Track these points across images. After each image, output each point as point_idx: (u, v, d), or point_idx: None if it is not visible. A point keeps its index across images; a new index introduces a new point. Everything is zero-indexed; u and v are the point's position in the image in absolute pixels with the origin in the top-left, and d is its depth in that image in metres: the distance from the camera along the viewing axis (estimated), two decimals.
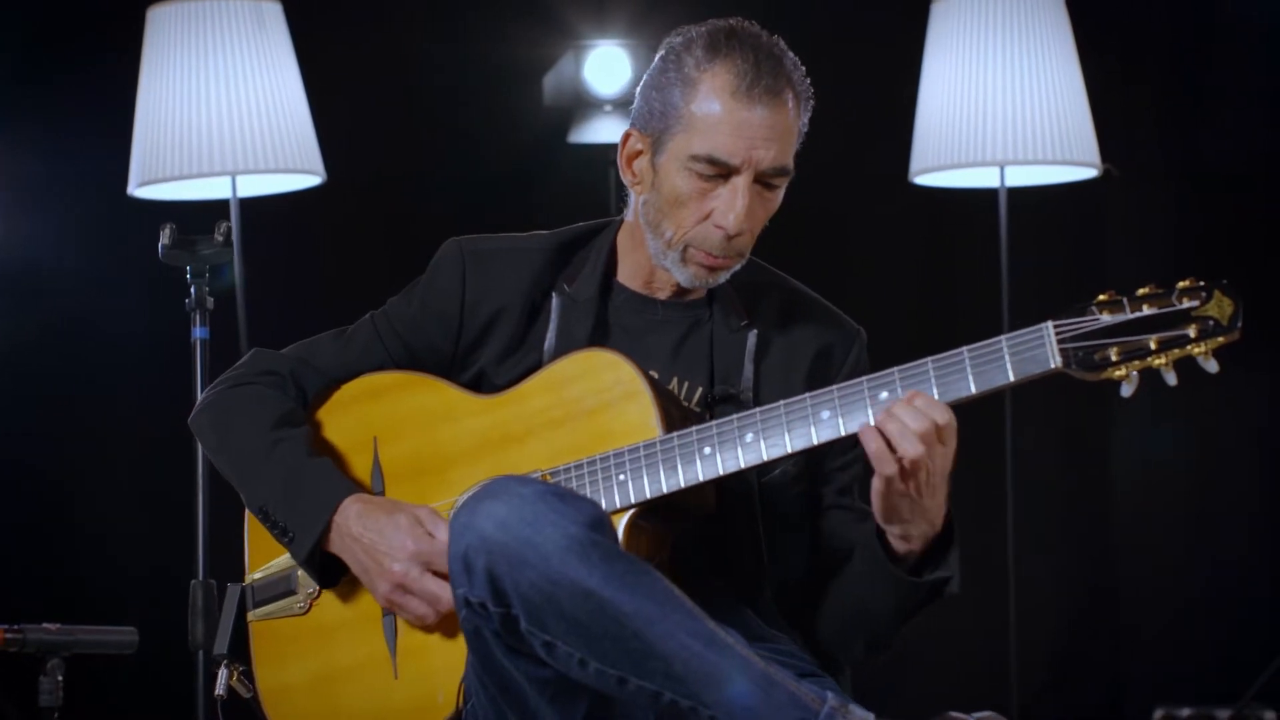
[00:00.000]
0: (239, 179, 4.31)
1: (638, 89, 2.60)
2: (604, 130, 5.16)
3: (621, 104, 5.12)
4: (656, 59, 2.57)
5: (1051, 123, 4.46)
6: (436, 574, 2.44)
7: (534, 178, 5.16)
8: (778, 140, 2.50)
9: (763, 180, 2.51)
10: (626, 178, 2.62)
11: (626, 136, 2.61)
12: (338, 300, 4.93)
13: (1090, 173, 4.62)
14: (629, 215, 2.65)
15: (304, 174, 4.38)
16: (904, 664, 4.77)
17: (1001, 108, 4.46)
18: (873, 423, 2.35)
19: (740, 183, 2.49)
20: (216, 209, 4.31)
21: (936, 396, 2.34)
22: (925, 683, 4.91)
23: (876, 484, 2.35)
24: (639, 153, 2.59)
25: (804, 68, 2.55)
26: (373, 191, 5.01)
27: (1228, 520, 5.19)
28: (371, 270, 4.99)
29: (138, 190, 4.34)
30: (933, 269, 5.23)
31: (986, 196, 4.69)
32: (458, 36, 5.14)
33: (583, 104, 5.15)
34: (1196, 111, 5.20)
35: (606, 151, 5.14)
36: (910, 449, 2.31)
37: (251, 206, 4.40)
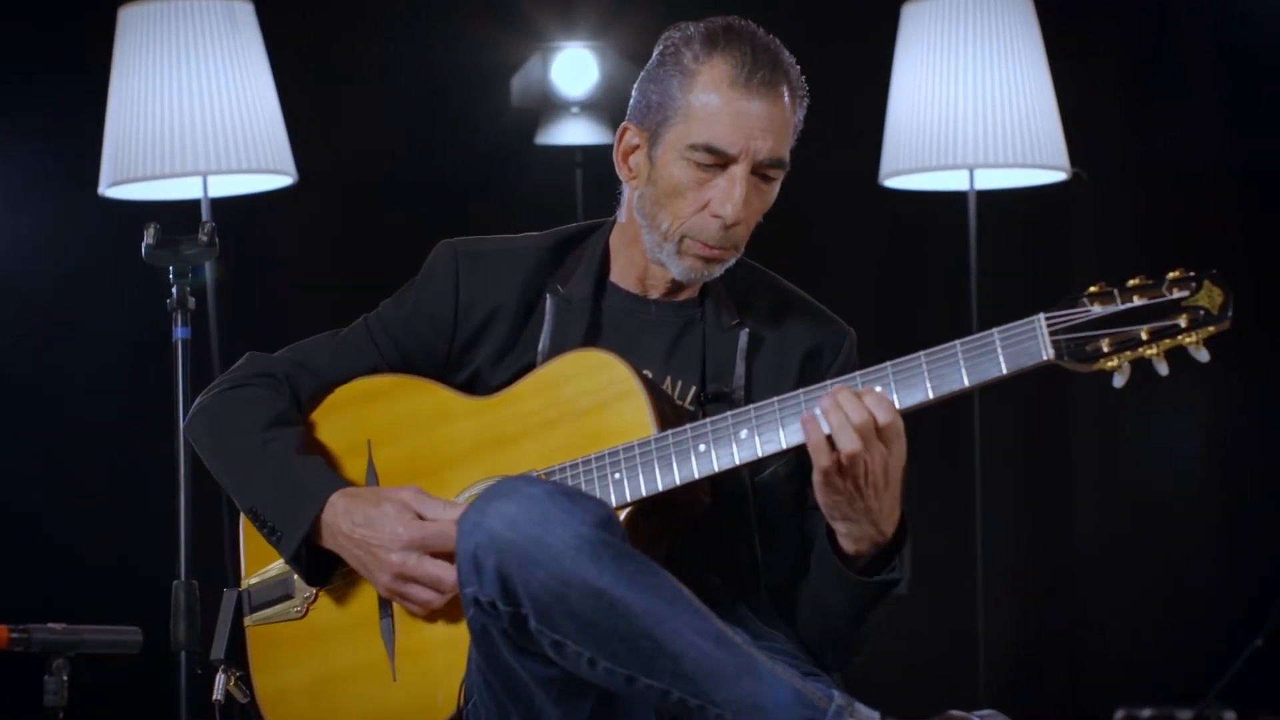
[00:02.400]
0: (210, 179, 4.29)
1: (635, 85, 2.62)
2: (571, 132, 5.17)
3: (589, 106, 5.13)
4: (654, 54, 2.60)
5: (1021, 126, 4.47)
6: (435, 555, 2.45)
7: (501, 179, 5.16)
8: (774, 132, 2.53)
9: (759, 172, 2.54)
10: (622, 173, 2.63)
11: (623, 131, 2.62)
12: (308, 300, 4.96)
13: (1059, 176, 4.63)
14: (621, 215, 2.67)
15: (276, 174, 4.36)
16: (869, 664, 4.79)
17: (971, 111, 4.47)
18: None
19: (737, 172, 2.52)
20: (187, 209, 4.29)
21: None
22: (892, 684, 4.92)
23: (815, 477, 2.36)
24: (635, 147, 2.60)
25: (799, 65, 2.58)
26: (341, 192, 4.99)
27: (1189, 521, 5.23)
28: (342, 271, 4.99)
29: (109, 190, 4.31)
30: (901, 272, 5.25)
31: (956, 199, 4.71)
32: (426, 38, 5.14)
33: (550, 105, 5.16)
34: (1161, 115, 5.24)
35: (574, 153, 5.19)
36: (847, 443, 2.32)
37: (222, 207, 4.38)
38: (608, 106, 5.14)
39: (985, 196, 4.67)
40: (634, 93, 2.62)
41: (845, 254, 5.17)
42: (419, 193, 5.04)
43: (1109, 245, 5.19)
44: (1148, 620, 5.21)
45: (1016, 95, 4.48)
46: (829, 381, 2.40)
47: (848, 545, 2.42)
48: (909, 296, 5.16)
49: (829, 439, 2.34)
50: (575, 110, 5.15)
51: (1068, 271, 5.24)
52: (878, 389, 2.36)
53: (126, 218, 4.42)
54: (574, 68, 5.12)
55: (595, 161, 5.18)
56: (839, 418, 2.33)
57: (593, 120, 5.16)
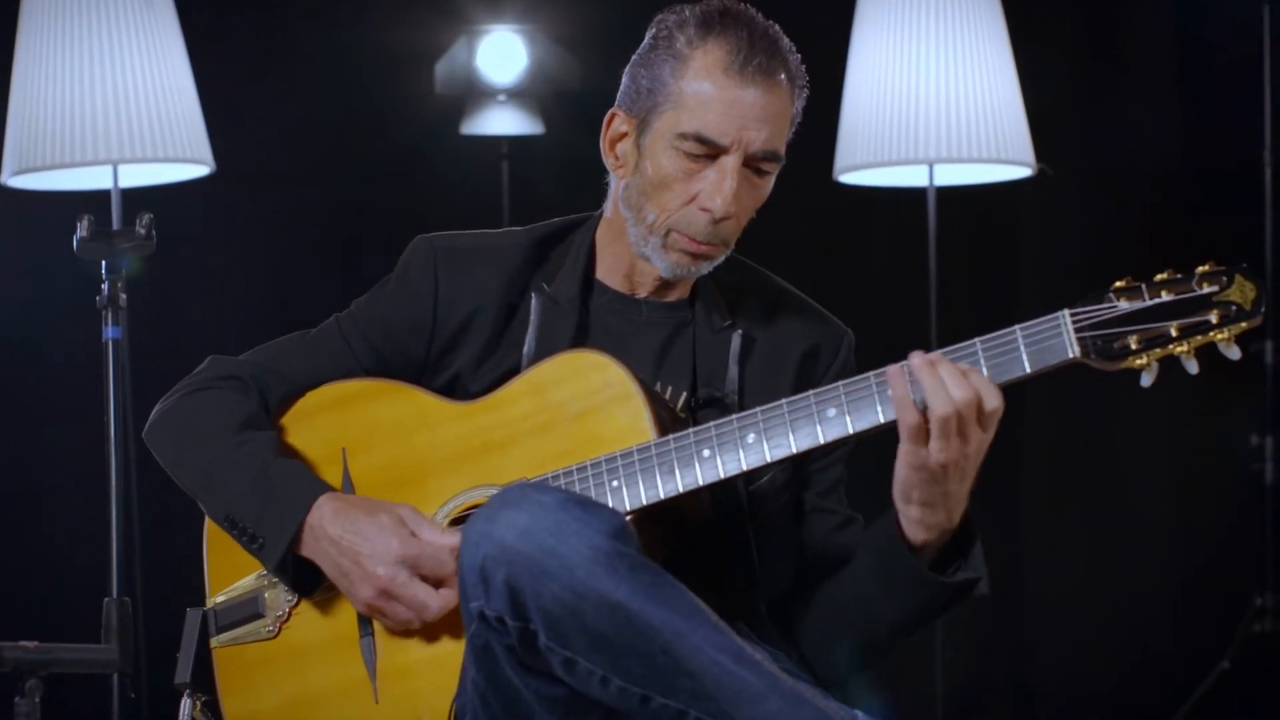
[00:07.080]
0: (121, 168, 4.24)
1: (625, 69, 2.62)
2: (497, 120, 5.17)
3: (516, 93, 5.13)
4: (646, 37, 2.60)
5: (984, 119, 4.48)
6: (424, 578, 2.44)
7: (424, 170, 5.15)
8: (769, 122, 2.53)
9: (752, 164, 2.55)
10: (609, 161, 2.63)
11: (611, 118, 2.62)
12: (226, 297, 4.92)
13: (1024, 172, 4.65)
14: (608, 210, 2.67)
15: (191, 163, 4.31)
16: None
17: (932, 103, 4.47)
18: (881, 419, 2.36)
19: (729, 164, 2.52)
20: (97, 200, 4.25)
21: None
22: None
23: (902, 452, 2.32)
24: (623, 135, 2.60)
25: (799, 54, 2.58)
26: (259, 182, 4.96)
27: (1147, 542, 5.31)
28: (260, 265, 4.95)
29: (12, 180, 4.25)
30: (855, 272, 5.28)
31: (914, 196, 4.74)
32: (347, 20, 5.12)
33: (475, 92, 5.17)
34: (1118, 112, 5.31)
35: (500, 143, 5.19)
36: (939, 405, 2.29)
37: (134, 197, 4.33)
38: (536, 94, 5.15)
39: (944, 193, 4.71)
40: (624, 78, 2.61)
41: (796, 253, 5.16)
42: (339, 184, 5.02)
43: (1071, 243, 5.25)
44: (1106, 644, 5.28)
45: (980, 86, 4.49)
46: (841, 382, 2.40)
47: (916, 534, 2.38)
48: (863, 298, 5.18)
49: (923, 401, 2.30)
50: (502, 98, 5.15)
51: (1029, 271, 5.30)
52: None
53: (30, 208, 4.38)
54: (501, 52, 5.13)
55: (522, 153, 5.18)
56: (934, 381, 2.30)
57: (520, 109, 5.17)
